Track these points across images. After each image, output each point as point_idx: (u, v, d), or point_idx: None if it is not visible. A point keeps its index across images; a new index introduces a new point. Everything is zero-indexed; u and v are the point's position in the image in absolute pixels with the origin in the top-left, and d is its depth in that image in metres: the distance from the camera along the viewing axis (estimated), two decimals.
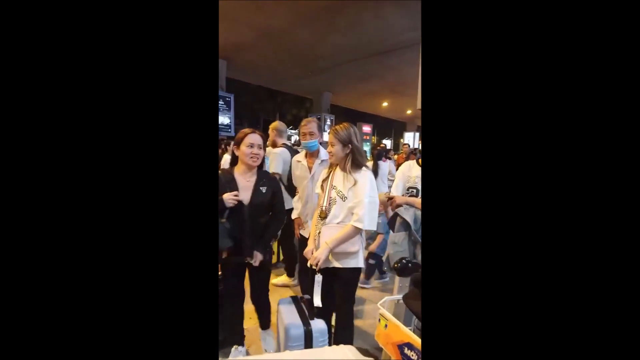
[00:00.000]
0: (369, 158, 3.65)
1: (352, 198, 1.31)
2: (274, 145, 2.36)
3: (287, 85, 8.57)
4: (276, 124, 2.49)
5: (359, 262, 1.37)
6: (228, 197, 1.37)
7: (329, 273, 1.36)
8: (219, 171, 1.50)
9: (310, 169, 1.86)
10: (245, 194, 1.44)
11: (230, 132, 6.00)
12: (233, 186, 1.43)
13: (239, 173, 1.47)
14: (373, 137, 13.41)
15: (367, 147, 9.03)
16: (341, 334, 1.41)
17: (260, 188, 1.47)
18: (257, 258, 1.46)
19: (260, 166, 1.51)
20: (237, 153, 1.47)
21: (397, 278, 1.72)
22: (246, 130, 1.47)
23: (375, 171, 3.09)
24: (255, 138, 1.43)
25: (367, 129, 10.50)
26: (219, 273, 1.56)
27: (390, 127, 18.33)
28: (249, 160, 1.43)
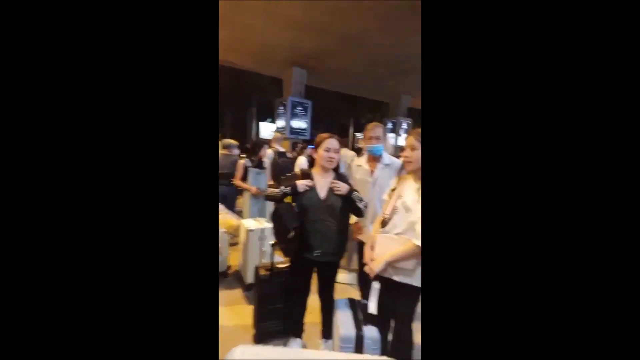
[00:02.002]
0: None
1: (417, 212, 1.23)
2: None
3: (364, 89, 8.58)
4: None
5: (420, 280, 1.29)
6: (301, 183, 1.49)
7: (388, 283, 1.33)
8: (299, 170, 1.63)
9: (372, 172, 1.84)
10: (322, 192, 1.53)
11: (306, 136, 6.32)
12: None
13: (317, 174, 1.58)
14: None
15: None
16: (396, 348, 1.35)
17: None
18: (343, 188, 1.51)
19: (336, 169, 1.58)
20: (314, 156, 1.59)
21: None
22: (324, 135, 1.57)
23: None
24: (332, 143, 1.53)
25: None
26: (287, 266, 1.65)
27: None
28: (325, 162, 1.53)
